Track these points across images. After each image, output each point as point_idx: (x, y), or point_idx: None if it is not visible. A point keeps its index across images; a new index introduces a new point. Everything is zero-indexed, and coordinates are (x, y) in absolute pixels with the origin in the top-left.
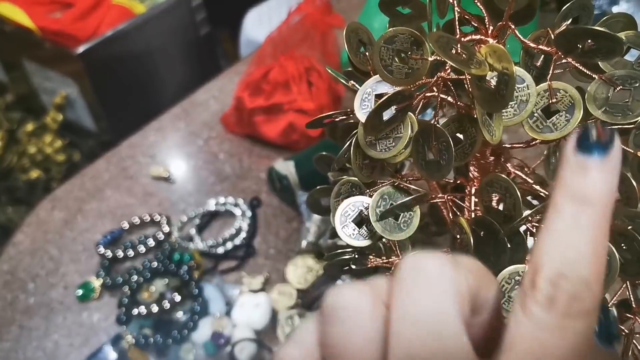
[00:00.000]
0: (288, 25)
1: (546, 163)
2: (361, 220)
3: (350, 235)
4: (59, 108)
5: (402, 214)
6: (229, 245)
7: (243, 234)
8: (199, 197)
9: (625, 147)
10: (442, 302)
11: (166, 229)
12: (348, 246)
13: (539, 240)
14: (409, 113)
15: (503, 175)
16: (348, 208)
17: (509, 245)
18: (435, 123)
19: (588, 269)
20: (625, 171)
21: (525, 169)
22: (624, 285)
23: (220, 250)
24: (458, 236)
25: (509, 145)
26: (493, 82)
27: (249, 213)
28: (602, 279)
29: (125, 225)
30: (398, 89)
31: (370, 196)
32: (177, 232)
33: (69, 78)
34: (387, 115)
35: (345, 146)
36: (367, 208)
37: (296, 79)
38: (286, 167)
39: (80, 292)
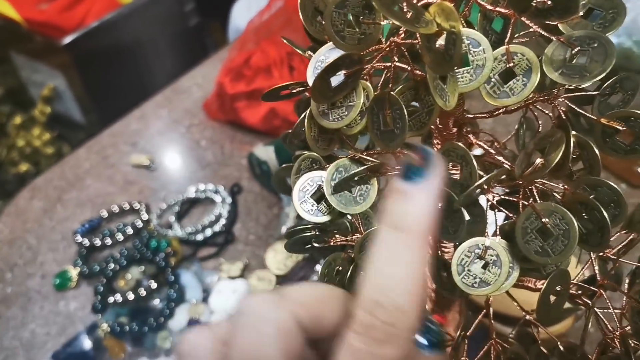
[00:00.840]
0: (270, 11)
1: (516, 137)
2: (321, 196)
3: (308, 211)
4: (47, 100)
5: (358, 187)
6: (209, 232)
7: (223, 221)
8: (180, 185)
9: (588, 115)
10: (261, 343)
11: (145, 216)
12: (309, 223)
13: (364, 270)
14: (365, 82)
15: (459, 143)
16: (306, 183)
17: (466, 216)
18: (390, 91)
19: (403, 295)
20: (588, 139)
21: (496, 144)
22: (589, 261)
23: (200, 237)
24: None
25: (472, 115)
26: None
27: (229, 200)
28: (420, 303)
29: (104, 214)
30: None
31: None
32: (157, 220)
33: (57, 70)
34: (337, 82)
35: (300, 117)
36: None
37: (278, 63)
38: (266, 153)
39: (57, 281)
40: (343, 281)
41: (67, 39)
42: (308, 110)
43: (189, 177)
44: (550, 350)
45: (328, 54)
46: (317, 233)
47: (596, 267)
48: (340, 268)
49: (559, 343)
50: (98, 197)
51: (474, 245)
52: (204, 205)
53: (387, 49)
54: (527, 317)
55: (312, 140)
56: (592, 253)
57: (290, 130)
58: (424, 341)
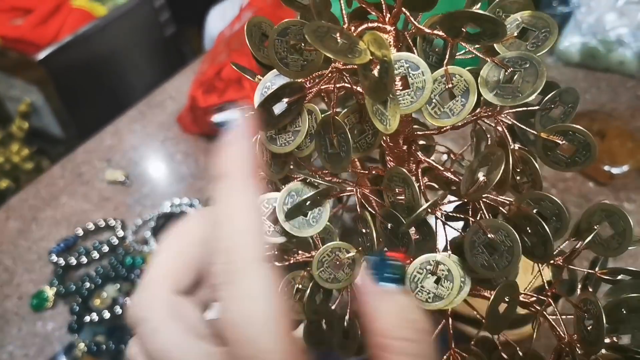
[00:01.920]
0: (240, 21)
1: (471, 148)
2: (277, 217)
3: (266, 233)
4: (24, 116)
5: (310, 211)
6: None
7: None
8: (156, 200)
9: (529, 130)
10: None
11: (120, 233)
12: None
13: None
14: (312, 105)
15: (401, 168)
16: (262, 205)
17: (414, 236)
18: (334, 115)
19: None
20: (530, 154)
21: (452, 155)
22: (539, 270)
23: None
24: (364, 230)
25: (421, 133)
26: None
27: None
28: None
29: (80, 232)
30: (286, 81)
31: None
32: (132, 236)
33: (33, 85)
34: (281, 109)
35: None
36: None
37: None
38: None
39: (34, 301)
40: (303, 299)
41: (42, 54)
42: (257, 136)
43: (165, 192)
44: (510, 356)
45: (274, 80)
46: (276, 252)
47: (549, 275)
48: (300, 286)
49: (517, 349)
50: (73, 215)
51: (425, 262)
52: (180, 220)
53: (329, 74)
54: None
55: (265, 165)
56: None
57: None
58: (387, 284)
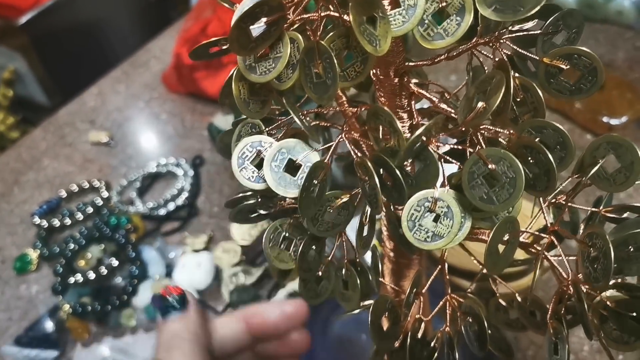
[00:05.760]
0: None
1: (467, 87)
2: (261, 162)
3: (249, 179)
4: (9, 83)
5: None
6: (171, 206)
7: (185, 194)
8: (141, 160)
9: (531, 55)
10: None
11: (105, 194)
12: (251, 190)
13: None
14: (295, 33)
15: (385, 108)
16: (245, 149)
17: (402, 179)
18: (318, 39)
19: None
20: (532, 80)
21: (446, 95)
22: (540, 210)
23: (162, 211)
24: (365, 177)
25: (413, 63)
26: None
27: (191, 172)
28: None
29: (63, 194)
30: None
31: (270, 134)
32: (117, 197)
33: (16, 52)
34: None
35: (228, 76)
36: (265, 148)
37: None
38: (226, 122)
39: (17, 264)
40: (289, 248)
41: (24, 19)
42: (234, 70)
43: (150, 152)
44: (509, 303)
45: (252, 2)
46: (260, 200)
47: (550, 215)
48: (287, 234)
49: (516, 294)
50: (56, 178)
51: (423, 199)
52: (166, 180)
53: None
54: (485, 270)
55: (242, 103)
56: (542, 201)
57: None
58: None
